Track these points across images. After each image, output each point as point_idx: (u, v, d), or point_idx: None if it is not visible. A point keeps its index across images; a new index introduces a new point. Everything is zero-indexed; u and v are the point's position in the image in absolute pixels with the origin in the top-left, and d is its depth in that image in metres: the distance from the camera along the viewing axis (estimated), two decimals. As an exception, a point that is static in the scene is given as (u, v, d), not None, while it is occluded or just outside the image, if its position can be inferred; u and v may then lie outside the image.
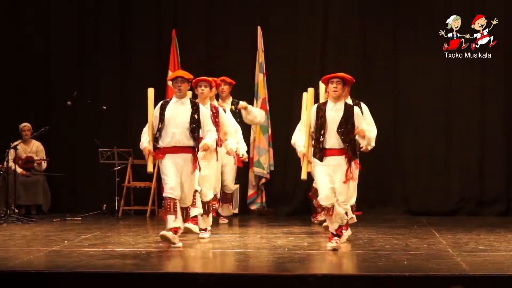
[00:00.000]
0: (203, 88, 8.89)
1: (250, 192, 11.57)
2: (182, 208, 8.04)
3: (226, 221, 10.38)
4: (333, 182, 7.75)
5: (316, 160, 7.78)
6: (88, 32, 12.06)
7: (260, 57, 11.61)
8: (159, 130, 8.02)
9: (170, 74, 11.43)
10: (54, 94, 12.00)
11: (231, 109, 10.08)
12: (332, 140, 7.73)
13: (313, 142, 7.82)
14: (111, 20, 12.02)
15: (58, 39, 12.01)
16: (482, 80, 11.58)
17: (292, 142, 8.55)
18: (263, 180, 11.55)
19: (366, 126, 8.01)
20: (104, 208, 11.37)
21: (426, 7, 11.64)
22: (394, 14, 11.73)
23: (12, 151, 10.95)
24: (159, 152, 8.02)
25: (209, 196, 8.80)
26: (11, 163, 10.93)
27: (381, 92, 11.65)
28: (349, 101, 8.49)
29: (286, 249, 7.89)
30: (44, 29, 12.05)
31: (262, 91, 11.55)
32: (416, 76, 11.65)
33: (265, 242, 8.51)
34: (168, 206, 7.93)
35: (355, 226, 9.77)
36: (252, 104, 11.32)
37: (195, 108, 8.08)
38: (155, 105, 8.19)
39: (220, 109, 9.08)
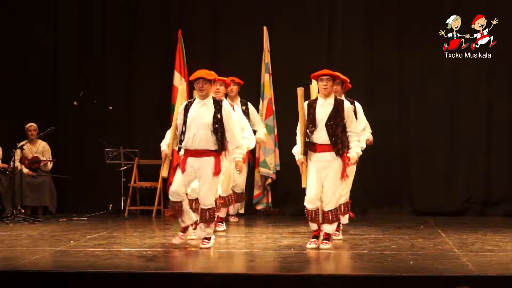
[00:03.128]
0: (218, 87, 8.85)
1: (256, 192, 11.57)
2: (203, 210, 7.93)
3: (236, 219, 10.45)
4: (321, 184, 7.80)
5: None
6: (95, 32, 12.08)
7: (266, 57, 11.60)
8: (183, 132, 7.92)
9: (176, 74, 11.49)
10: (60, 94, 12.02)
11: (241, 109, 10.06)
12: (322, 135, 7.81)
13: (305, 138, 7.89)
14: (118, 20, 12.04)
15: (65, 39, 12.04)
16: (486, 80, 11.57)
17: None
18: (269, 180, 11.54)
19: (355, 128, 7.97)
20: (110, 208, 11.38)
21: (430, 7, 11.63)
22: (398, 14, 11.72)
23: (18, 151, 10.97)
24: (184, 154, 7.96)
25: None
26: (17, 163, 10.96)
27: (386, 92, 11.66)
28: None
29: (292, 249, 7.89)
30: (50, 29, 12.07)
31: (268, 91, 11.54)
32: (421, 76, 11.64)
33: (271, 242, 8.52)
34: (173, 208, 8.03)
35: (360, 226, 9.79)
36: (258, 104, 11.33)
37: (218, 108, 7.93)
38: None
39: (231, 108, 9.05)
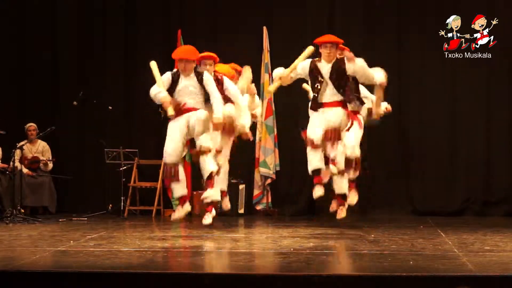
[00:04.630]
0: (208, 67, 9.26)
1: (256, 192, 11.57)
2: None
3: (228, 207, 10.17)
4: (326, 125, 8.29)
5: (311, 111, 8.43)
6: (95, 32, 12.09)
7: (266, 57, 11.60)
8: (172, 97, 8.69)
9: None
10: (60, 94, 12.03)
11: None
12: (329, 94, 8.31)
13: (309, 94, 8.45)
14: (117, 20, 12.05)
15: (64, 39, 12.04)
16: (486, 80, 11.58)
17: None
18: (269, 181, 11.54)
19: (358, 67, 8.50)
20: (110, 208, 11.38)
21: (430, 7, 11.64)
22: (398, 14, 11.73)
23: (18, 151, 10.97)
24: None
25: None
26: (17, 163, 10.96)
27: (386, 92, 11.63)
28: None
29: (292, 249, 7.89)
30: (50, 29, 12.08)
31: (268, 91, 11.53)
32: (420, 76, 11.66)
33: (270, 243, 8.51)
34: (169, 172, 8.19)
35: (360, 226, 9.78)
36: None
37: (200, 78, 8.76)
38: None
39: (225, 78, 9.26)
